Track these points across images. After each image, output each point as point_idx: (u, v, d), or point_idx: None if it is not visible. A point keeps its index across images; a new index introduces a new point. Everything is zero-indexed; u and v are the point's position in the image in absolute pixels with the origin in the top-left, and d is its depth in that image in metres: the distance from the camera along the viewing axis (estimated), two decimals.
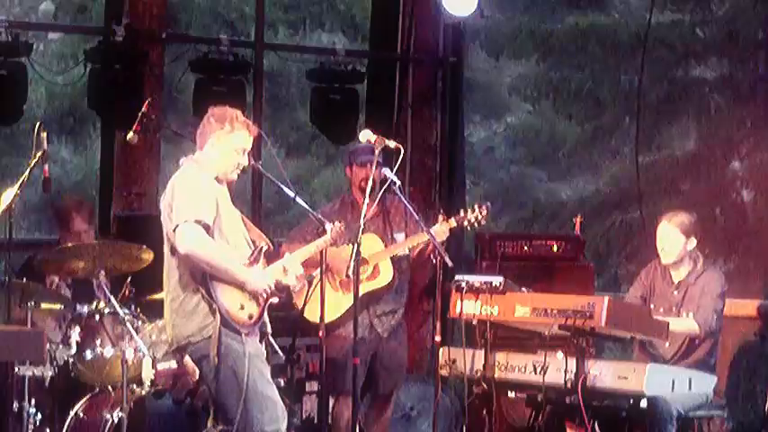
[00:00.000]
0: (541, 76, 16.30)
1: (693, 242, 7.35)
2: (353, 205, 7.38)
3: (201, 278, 5.88)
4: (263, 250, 6.10)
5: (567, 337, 6.90)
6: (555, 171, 18.39)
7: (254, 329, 6.01)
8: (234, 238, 6.03)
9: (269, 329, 6.18)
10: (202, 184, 5.99)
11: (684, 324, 7.21)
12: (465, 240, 10.35)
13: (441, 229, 7.22)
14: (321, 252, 6.54)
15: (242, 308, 5.92)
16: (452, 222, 7.27)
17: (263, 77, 9.80)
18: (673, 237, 7.33)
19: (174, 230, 5.85)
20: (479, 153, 18.40)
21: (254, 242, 6.13)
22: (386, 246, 7.31)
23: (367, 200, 6.60)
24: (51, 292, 7.26)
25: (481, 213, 7.28)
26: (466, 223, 7.31)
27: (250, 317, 5.94)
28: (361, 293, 6.72)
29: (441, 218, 7.30)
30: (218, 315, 5.86)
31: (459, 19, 9.79)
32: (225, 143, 6.07)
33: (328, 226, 6.45)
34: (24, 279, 7.03)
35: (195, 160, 6.13)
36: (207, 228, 5.86)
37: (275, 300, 6.08)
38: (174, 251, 5.94)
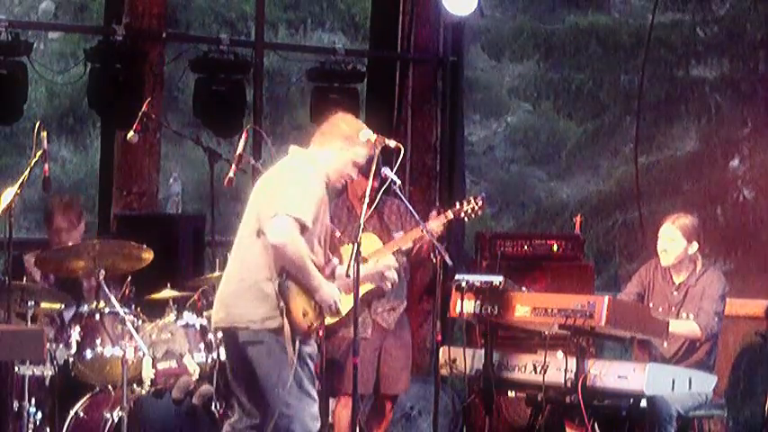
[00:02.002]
0: (541, 76, 16.31)
1: (695, 246, 7.33)
2: (350, 209, 7.39)
3: (279, 271, 5.81)
4: (335, 264, 6.08)
5: (567, 336, 6.90)
6: (555, 171, 18.40)
7: (310, 337, 5.96)
8: (318, 246, 5.98)
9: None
10: (316, 185, 5.94)
11: (686, 326, 7.19)
12: (465, 240, 10.36)
13: (436, 224, 7.19)
14: None
15: (305, 314, 5.85)
16: (449, 214, 7.25)
17: (263, 77, 9.80)
18: (675, 239, 7.32)
19: (273, 217, 5.76)
20: (479, 153, 18.42)
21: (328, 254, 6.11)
22: (384, 244, 7.31)
23: (366, 208, 6.59)
24: (51, 291, 7.25)
25: (477, 204, 7.26)
26: (462, 215, 7.29)
27: (309, 326, 5.87)
28: (361, 293, 6.70)
29: (434, 212, 7.27)
30: (283, 314, 5.79)
31: (459, 18, 9.79)
32: (348, 153, 6.06)
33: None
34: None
35: (311, 157, 6.06)
36: (303, 227, 5.79)
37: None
38: (260, 233, 5.85)
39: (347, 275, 6.56)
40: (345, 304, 7.15)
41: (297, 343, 5.82)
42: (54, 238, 7.56)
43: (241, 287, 5.91)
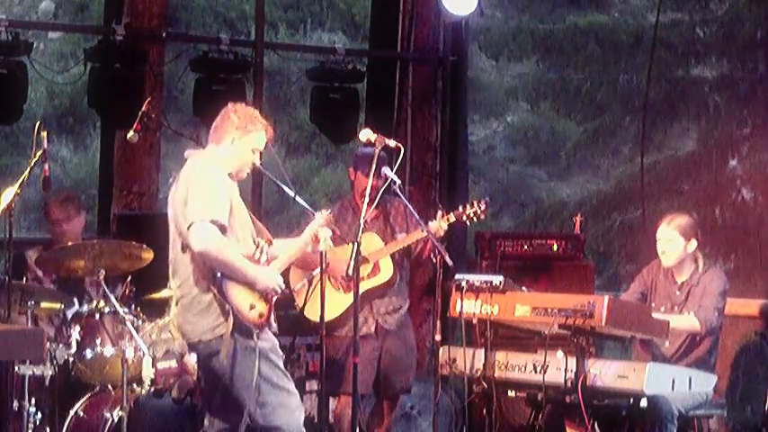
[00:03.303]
0: (541, 75, 16.31)
1: (694, 244, 7.34)
2: (354, 209, 7.38)
3: (213, 277, 5.84)
4: (265, 248, 6.08)
5: (567, 336, 6.90)
6: (555, 171, 18.42)
7: (265, 327, 5.98)
8: (242, 235, 6.00)
9: (275, 328, 6.15)
10: (218, 182, 5.94)
11: (686, 321, 7.21)
12: (466, 240, 10.36)
13: (438, 226, 7.20)
14: (321, 252, 6.54)
15: (252, 307, 5.88)
16: (452, 217, 7.25)
17: (263, 77, 9.79)
18: (672, 239, 7.33)
19: (189, 228, 5.80)
20: (479, 153, 18.43)
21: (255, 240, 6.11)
22: (386, 245, 7.31)
23: (365, 206, 6.59)
24: (52, 291, 7.25)
25: (480, 208, 7.26)
26: (465, 218, 7.29)
27: (260, 316, 5.90)
28: (361, 291, 6.71)
29: (439, 213, 7.28)
30: (231, 315, 5.83)
31: (459, 18, 9.79)
32: (244, 142, 6.06)
33: (317, 213, 6.37)
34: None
35: (209, 155, 6.08)
36: (222, 228, 5.81)
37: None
38: (185, 248, 5.89)
39: (347, 275, 6.57)
40: (343, 303, 7.18)
41: (254, 341, 5.85)
42: (55, 231, 7.56)
43: (183, 303, 5.96)
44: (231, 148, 6.06)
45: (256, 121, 6.11)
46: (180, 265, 5.96)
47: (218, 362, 5.87)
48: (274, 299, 6.01)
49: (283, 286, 6.01)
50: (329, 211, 6.39)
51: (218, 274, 5.83)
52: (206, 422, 6.12)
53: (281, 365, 6.01)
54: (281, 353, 6.07)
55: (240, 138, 6.06)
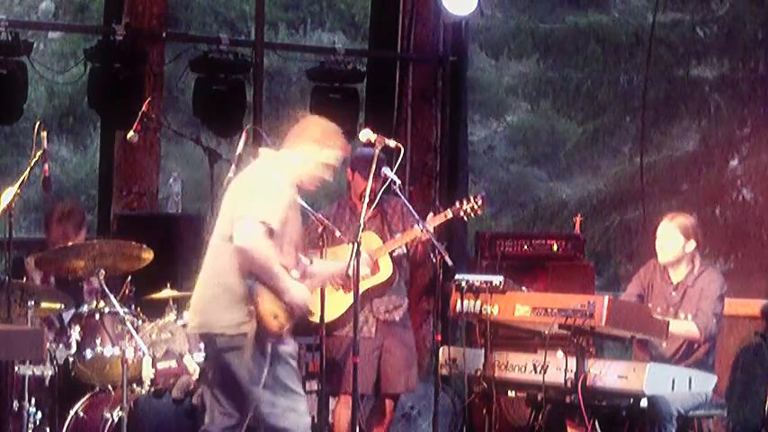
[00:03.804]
0: (541, 75, 16.32)
1: (692, 245, 7.34)
2: (352, 209, 7.38)
3: (248, 275, 5.82)
4: (307, 263, 6.08)
5: (567, 336, 6.89)
6: (555, 170, 18.44)
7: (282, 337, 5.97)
8: (287, 248, 5.97)
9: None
10: (281, 188, 5.92)
11: (684, 327, 7.19)
12: (466, 240, 10.36)
13: (434, 224, 7.18)
14: (321, 252, 6.54)
15: (275, 317, 5.85)
16: (449, 213, 7.23)
17: (263, 77, 9.79)
18: (673, 237, 7.32)
19: (240, 221, 5.77)
20: (479, 153, 18.44)
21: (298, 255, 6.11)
22: (384, 243, 7.30)
23: (365, 207, 6.59)
24: (52, 291, 7.25)
25: (477, 203, 7.24)
26: (462, 214, 7.27)
27: (280, 327, 5.87)
28: (361, 290, 6.70)
29: (430, 215, 7.25)
30: (254, 318, 5.81)
31: (459, 18, 9.79)
32: (317, 156, 6.03)
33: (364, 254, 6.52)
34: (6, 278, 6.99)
35: (281, 159, 6.04)
36: (270, 231, 5.77)
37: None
38: (230, 238, 5.85)
39: (347, 275, 6.57)
40: (344, 303, 7.17)
41: (269, 346, 5.83)
42: (50, 244, 7.54)
43: (214, 292, 5.92)
44: (303, 158, 6.02)
45: (336, 138, 6.09)
46: (221, 254, 5.91)
47: (236, 358, 5.83)
48: (296, 314, 5.99)
49: (309, 305, 6.00)
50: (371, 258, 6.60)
51: (253, 275, 5.80)
52: (207, 419, 6.06)
53: (297, 370, 6.01)
54: (295, 357, 6.06)
55: (315, 151, 6.03)
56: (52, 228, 7.58)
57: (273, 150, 6.13)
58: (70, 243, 7.44)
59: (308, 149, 6.02)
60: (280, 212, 5.83)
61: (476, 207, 7.24)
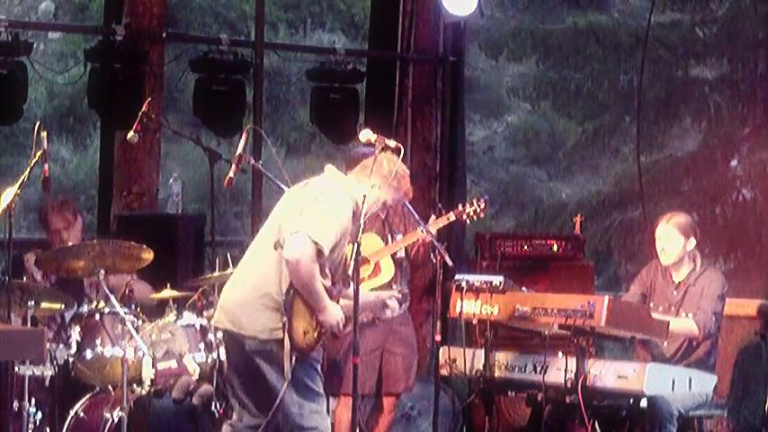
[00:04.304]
0: (541, 75, 16.32)
1: (693, 242, 7.35)
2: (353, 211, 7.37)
3: (288, 287, 5.88)
4: (340, 288, 6.13)
5: (568, 336, 6.90)
6: (555, 171, 18.42)
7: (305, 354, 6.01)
8: (331, 271, 6.03)
9: None
10: (342, 215, 5.99)
11: (684, 324, 7.20)
12: (465, 240, 10.36)
13: (436, 225, 7.19)
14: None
15: (305, 333, 5.92)
16: (451, 216, 7.25)
17: (263, 77, 9.79)
18: (672, 237, 7.33)
19: (292, 234, 5.82)
20: (479, 153, 18.43)
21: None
22: (386, 245, 7.30)
23: (365, 208, 6.59)
24: (52, 291, 7.25)
25: (479, 206, 7.26)
26: (465, 216, 7.29)
27: (307, 344, 5.95)
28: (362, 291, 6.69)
29: (432, 218, 7.26)
30: (285, 328, 5.85)
31: (458, 18, 9.79)
32: (381, 193, 6.15)
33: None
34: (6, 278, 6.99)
35: (348, 185, 6.14)
36: (320, 252, 5.83)
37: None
38: (277, 246, 5.91)
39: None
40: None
41: (293, 359, 5.89)
42: (54, 239, 7.56)
43: (253, 295, 5.96)
44: (367, 190, 6.09)
45: (404, 182, 6.21)
46: (265, 260, 5.97)
47: (264, 360, 5.89)
48: (326, 334, 6.04)
49: (341, 328, 6.04)
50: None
51: (294, 288, 5.86)
52: (234, 415, 6.14)
53: (321, 374, 6.11)
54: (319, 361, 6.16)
55: (380, 186, 6.13)
56: (52, 219, 7.57)
57: (340, 172, 6.22)
58: (71, 240, 7.46)
59: (374, 184, 6.11)
60: (333, 238, 5.91)
61: (478, 210, 7.27)
